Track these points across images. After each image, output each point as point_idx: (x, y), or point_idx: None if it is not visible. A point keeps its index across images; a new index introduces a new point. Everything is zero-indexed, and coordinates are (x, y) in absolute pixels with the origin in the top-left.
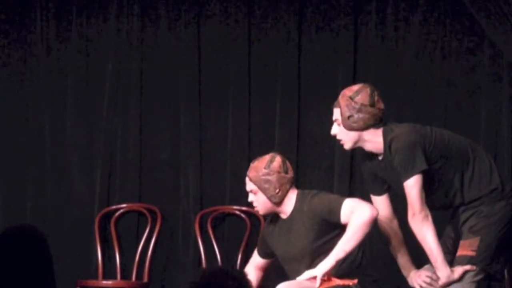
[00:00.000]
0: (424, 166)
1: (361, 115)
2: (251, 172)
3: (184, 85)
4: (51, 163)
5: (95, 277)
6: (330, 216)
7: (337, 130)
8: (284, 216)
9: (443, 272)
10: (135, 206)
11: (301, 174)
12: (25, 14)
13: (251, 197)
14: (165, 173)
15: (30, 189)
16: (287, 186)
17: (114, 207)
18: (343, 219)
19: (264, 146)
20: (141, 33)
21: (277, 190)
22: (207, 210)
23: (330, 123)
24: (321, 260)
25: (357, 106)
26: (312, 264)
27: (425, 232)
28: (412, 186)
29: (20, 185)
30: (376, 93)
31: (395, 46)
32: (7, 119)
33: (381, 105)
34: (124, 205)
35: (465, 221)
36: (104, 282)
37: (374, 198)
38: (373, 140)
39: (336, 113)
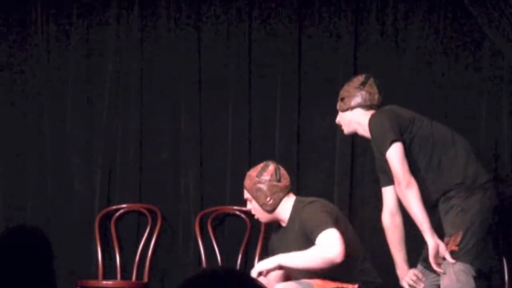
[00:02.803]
0: (398, 136)
1: (352, 96)
2: (245, 181)
3: (184, 85)
4: (51, 163)
5: (95, 277)
6: (310, 236)
7: (338, 117)
8: (283, 224)
9: (430, 239)
10: (135, 206)
11: (301, 174)
12: (26, 14)
13: (248, 205)
14: (166, 173)
15: (30, 189)
16: (280, 195)
17: (114, 207)
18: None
19: (264, 147)
20: (141, 33)
21: (268, 199)
22: (207, 210)
23: (332, 122)
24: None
25: (350, 88)
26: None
27: (409, 198)
28: (394, 155)
29: (21, 185)
30: (374, 81)
31: (395, 46)
32: (7, 119)
33: (371, 90)
34: (124, 205)
35: (444, 214)
36: (104, 282)
37: (382, 189)
38: (362, 123)
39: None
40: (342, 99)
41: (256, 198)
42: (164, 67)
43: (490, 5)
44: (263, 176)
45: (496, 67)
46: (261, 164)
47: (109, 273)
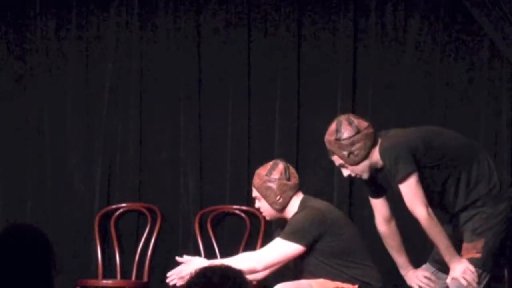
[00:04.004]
0: (414, 167)
1: (357, 146)
2: (254, 179)
3: (184, 85)
4: (51, 162)
5: (95, 276)
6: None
7: (348, 171)
8: None
9: (459, 264)
10: (135, 205)
11: (301, 174)
12: (25, 13)
13: (257, 204)
14: (165, 173)
15: (30, 188)
16: (290, 193)
17: (114, 206)
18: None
19: (264, 146)
20: (141, 33)
21: (278, 197)
22: (207, 209)
23: (329, 121)
24: (315, 267)
25: (348, 142)
26: (307, 269)
27: (438, 224)
28: (416, 184)
29: (20, 185)
30: (352, 118)
31: (394, 46)
32: (7, 119)
33: (364, 124)
34: (124, 205)
35: (466, 221)
36: (104, 281)
37: (372, 200)
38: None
39: (336, 160)
40: (350, 154)
41: (265, 197)
42: (164, 67)
43: (489, 4)
44: (272, 174)
45: (496, 66)
46: (270, 163)
47: (108, 273)
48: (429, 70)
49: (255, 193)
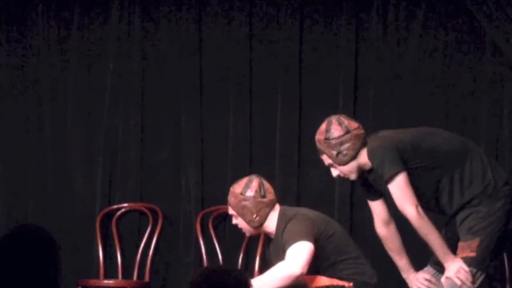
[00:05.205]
0: (402, 167)
1: (346, 146)
2: (230, 198)
3: (185, 85)
4: (51, 163)
5: (97, 276)
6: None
7: (336, 171)
8: (272, 236)
9: (453, 264)
10: (136, 205)
11: (302, 174)
12: (26, 13)
13: (234, 221)
14: (166, 173)
15: (31, 189)
16: (266, 210)
17: (115, 206)
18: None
19: (266, 146)
20: (142, 33)
21: (254, 215)
22: (208, 209)
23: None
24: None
25: (337, 141)
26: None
27: (430, 223)
28: (405, 183)
29: (21, 185)
30: (343, 118)
31: (396, 46)
32: (7, 119)
33: (355, 125)
34: (125, 205)
35: (463, 221)
36: (106, 281)
37: (370, 203)
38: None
39: (325, 159)
40: (339, 154)
41: (242, 216)
42: (165, 67)
43: (491, 4)
44: (247, 193)
45: (496, 67)
46: (244, 180)
47: (110, 273)
48: (430, 70)
49: (231, 211)
